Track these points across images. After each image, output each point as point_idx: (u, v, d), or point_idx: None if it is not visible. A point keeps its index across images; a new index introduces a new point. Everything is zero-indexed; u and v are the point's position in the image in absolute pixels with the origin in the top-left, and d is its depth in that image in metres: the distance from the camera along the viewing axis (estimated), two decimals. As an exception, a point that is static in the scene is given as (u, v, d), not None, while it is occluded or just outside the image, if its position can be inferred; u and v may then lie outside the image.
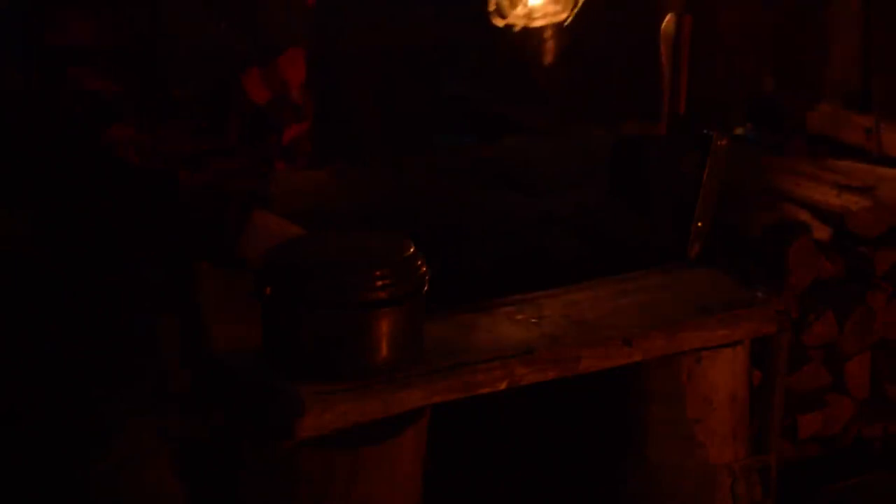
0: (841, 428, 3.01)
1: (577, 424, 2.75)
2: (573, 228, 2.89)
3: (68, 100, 2.47)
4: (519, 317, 2.52)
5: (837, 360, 2.99)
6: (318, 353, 2.23)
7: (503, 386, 2.35)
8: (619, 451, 2.66)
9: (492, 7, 2.62)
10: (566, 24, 2.60)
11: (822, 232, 2.94)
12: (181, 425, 2.35)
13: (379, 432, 2.27)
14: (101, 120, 2.45)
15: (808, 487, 2.90)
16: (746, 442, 2.65)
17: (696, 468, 2.60)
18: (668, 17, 2.87)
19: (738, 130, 3.29)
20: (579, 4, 2.60)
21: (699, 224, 2.66)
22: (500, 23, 2.60)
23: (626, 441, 2.64)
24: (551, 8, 2.60)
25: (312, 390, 2.20)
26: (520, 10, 2.60)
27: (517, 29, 2.60)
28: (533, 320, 2.51)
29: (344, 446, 2.26)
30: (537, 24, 2.57)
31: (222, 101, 2.60)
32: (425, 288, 2.27)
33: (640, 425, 2.61)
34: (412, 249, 2.28)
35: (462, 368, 2.32)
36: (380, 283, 2.21)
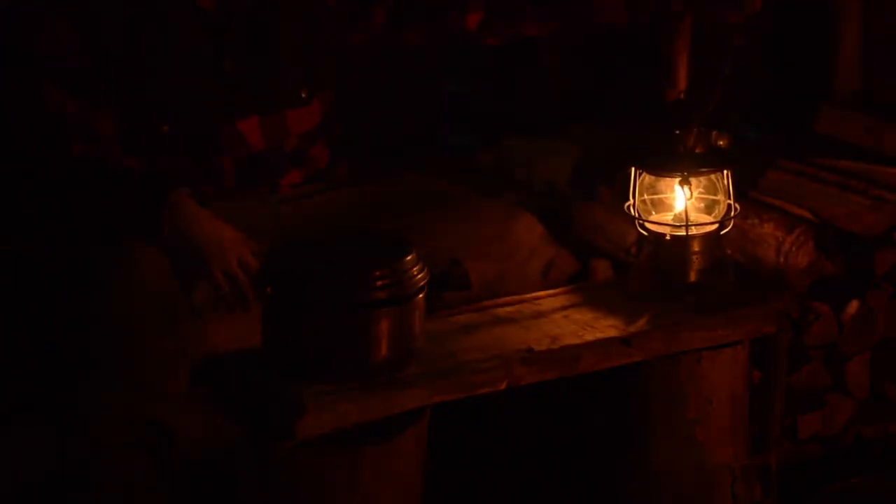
0: (841, 428, 3.00)
1: (577, 424, 2.75)
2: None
3: (32, 111, 2.47)
4: (519, 316, 2.52)
5: (837, 360, 2.98)
6: (318, 353, 2.23)
7: (503, 386, 2.35)
8: (619, 451, 2.66)
9: (631, 213, 2.59)
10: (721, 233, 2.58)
11: (822, 232, 2.94)
12: (179, 424, 2.35)
13: (379, 432, 2.27)
14: (65, 136, 2.44)
15: (808, 487, 2.89)
16: (746, 442, 2.65)
17: (696, 468, 2.60)
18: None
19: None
20: (734, 212, 2.56)
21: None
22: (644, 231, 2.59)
23: (626, 441, 2.64)
24: (700, 218, 2.57)
25: (312, 390, 2.20)
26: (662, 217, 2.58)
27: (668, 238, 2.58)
28: (533, 320, 2.51)
29: (344, 446, 2.26)
30: (679, 233, 2.55)
31: (214, 144, 2.59)
32: (425, 288, 2.27)
33: (640, 425, 2.61)
34: (412, 249, 2.28)
35: (462, 368, 2.32)
36: (379, 283, 2.21)
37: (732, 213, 2.56)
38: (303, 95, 2.67)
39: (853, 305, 2.92)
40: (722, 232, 2.56)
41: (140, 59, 2.51)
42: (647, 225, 2.57)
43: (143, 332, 2.32)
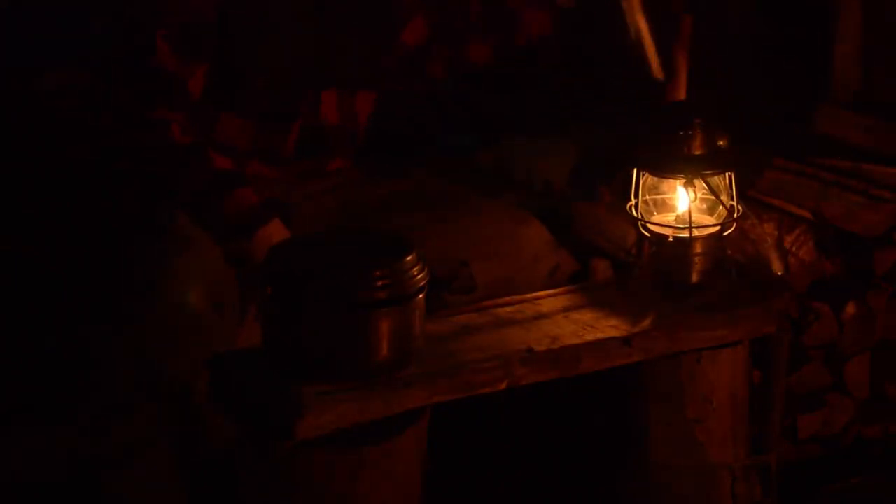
0: (841, 428, 3.01)
1: (577, 424, 2.75)
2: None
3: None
4: (519, 317, 2.52)
5: (837, 360, 2.99)
6: (319, 353, 2.23)
7: (503, 386, 2.35)
8: (619, 451, 2.66)
9: (633, 214, 2.59)
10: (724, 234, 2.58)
11: (822, 232, 2.94)
12: (182, 424, 2.35)
13: (379, 432, 2.27)
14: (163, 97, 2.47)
15: (808, 487, 2.90)
16: (746, 442, 2.65)
17: (696, 468, 2.60)
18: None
19: None
20: (736, 214, 2.56)
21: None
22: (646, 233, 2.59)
23: (626, 441, 2.64)
24: (703, 219, 2.56)
25: (312, 390, 2.20)
26: (664, 218, 2.58)
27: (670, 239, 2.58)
28: (533, 320, 2.51)
29: (344, 446, 2.25)
30: (682, 234, 2.55)
31: (292, 106, 2.62)
32: (425, 288, 2.27)
33: (640, 425, 2.61)
34: (412, 249, 2.27)
35: (462, 368, 2.32)
36: (380, 283, 2.21)
37: (735, 215, 2.56)
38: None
39: (851, 305, 2.92)
40: (724, 233, 2.56)
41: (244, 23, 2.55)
42: (650, 226, 2.57)
43: (190, 327, 2.33)
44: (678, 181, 2.54)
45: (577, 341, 2.42)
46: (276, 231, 2.50)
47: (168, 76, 2.49)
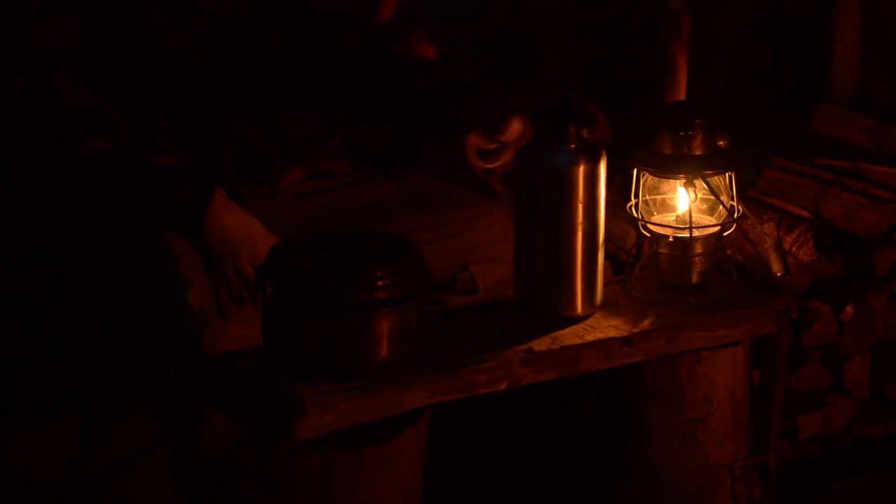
0: (841, 428, 3.00)
1: (577, 424, 2.75)
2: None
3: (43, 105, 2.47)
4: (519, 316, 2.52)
5: (837, 360, 2.98)
6: (319, 353, 2.23)
7: (503, 386, 2.35)
8: (618, 450, 2.66)
9: (633, 214, 2.58)
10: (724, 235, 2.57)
11: (822, 232, 2.94)
12: (181, 425, 2.35)
13: (379, 432, 2.27)
14: (80, 132, 2.44)
15: (808, 487, 2.90)
16: (746, 442, 2.65)
17: (696, 468, 2.60)
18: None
19: None
20: (737, 214, 2.55)
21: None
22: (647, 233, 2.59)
23: (626, 441, 2.64)
24: (703, 219, 2.55)
25: (312, 390, 2.20)
26: (664, 218, 2.58)
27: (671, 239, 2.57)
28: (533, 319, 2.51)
29: (344, 446, 2.26)
30: (682, 235, 2.55)
31: (213, 142, 2.62)
32: (425, 288, 2.27)
33: (640, 425, 2.61)
34: (412, 250, 2.27)
35: (462, 368, 2.32)
36: (380, 283, 2.21)
37: (735, 215, 2.56)
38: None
39: (851, 305, 2.92)
40: (724, 233, 2.56)
41: (150, 61, 2.52)
42: (650, 226, 2.57)
43: (191, 327, 2.33)
44: (678, 181, 2.54)
45: (577, 341, 2.42)
46: (223, 208, 2.45)
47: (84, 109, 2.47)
